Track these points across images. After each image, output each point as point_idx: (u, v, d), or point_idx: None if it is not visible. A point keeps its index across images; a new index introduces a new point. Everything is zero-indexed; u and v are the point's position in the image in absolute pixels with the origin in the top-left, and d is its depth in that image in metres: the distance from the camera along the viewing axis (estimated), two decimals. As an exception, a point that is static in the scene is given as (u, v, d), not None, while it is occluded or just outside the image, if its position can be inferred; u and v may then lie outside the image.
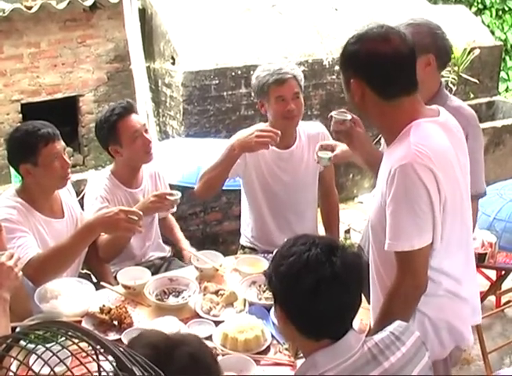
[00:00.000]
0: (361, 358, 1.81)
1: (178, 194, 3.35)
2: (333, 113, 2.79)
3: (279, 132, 3.31)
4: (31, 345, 1.26)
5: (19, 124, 5.69)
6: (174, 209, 3.71)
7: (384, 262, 2.36)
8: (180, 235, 3.87)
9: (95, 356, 1.17)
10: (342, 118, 2.71)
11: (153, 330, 1.72)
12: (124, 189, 3.50)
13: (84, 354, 1.21)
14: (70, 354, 1.21)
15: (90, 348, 1.21)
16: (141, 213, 2.98)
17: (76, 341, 1.20)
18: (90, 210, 3.38)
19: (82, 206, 3.48)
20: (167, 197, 3.33)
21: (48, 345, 1.22)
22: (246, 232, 3.81)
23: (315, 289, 1.78)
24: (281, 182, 3.59)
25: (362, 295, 2.92)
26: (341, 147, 3.30)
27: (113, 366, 1.14)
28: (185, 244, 3.80)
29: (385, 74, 2.19)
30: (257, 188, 3.64)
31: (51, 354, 1.20)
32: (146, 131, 3.45)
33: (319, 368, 1.80)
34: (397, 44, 2.20)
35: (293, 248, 1.86)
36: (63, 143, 3.11)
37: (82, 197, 3.59)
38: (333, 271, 1.79)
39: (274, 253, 1.97)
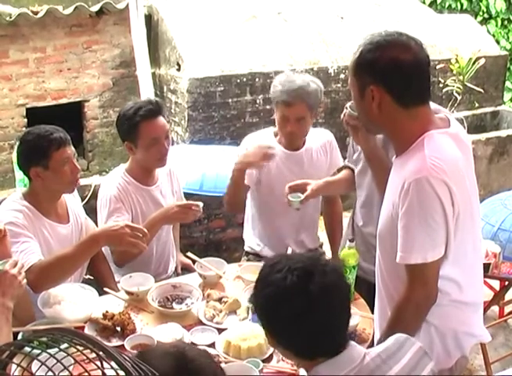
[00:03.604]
0: (364, 369, 1.81)
1: (201, 204, 3.34)
2: (348, 106, 2.79)
3: (275, 149, 3.42)
4: (36, 351, 1.26)
5: (24, 129, 5.76)
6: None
7: (390, 272, 2.36)
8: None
9: (99, 364, 1.17)
10: (356, 114, 2.70)
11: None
12: (140, 186, 3.47)
13: (87, 361, 1.21)
14: (73, 361, 1.21)
15: (94, 355, 1.21)
16: (146, 231, 2.95)
17: (80, 348, 1.20)
18: (103, 212, 3.36)
19: (87, 211, 3.48)
20: (192, 207, 3.32)
21: (51, 352, 1.21)
22: (252, 237, 3.80)
23: (295, 319, 1.78)
24: (288, 181, 3.55)
25: (366, 305, 2.94)
26: (311, 186, 3.32)
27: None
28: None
29: (407, 81, 2.19)
30: (264, 189, 3.65)
31: (54, 361, 1.20)
32: (167, 137, 3.41)
33: None
34: (417, 52, 2.20)
35: (270, 278, 1.84)
36: (73, 148, 3.12)
37: (87, 203, 3.58)
38: (310, 300, 1.77)
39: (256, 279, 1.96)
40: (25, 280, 2.50)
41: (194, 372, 1.51)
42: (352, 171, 3.36)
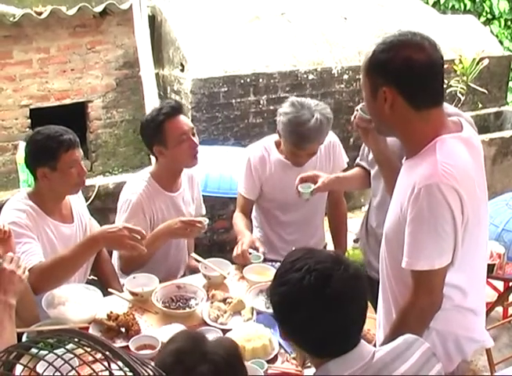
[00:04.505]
0: (371, 367, 1.80)
1: (206, 221, 3.31)
2: (359, 108, 2.77)
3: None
4: (42, 352, 1.26)
5: (28, 129, 5.76)
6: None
7: (395, 275, 2.34)
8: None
9: (106, 364, 1.17)
10: (368, 117, 2.65)
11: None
12: (164, 193, 3.44)
13: (93, 362, 1.21)
14: (79, 361, 1.21)
15: (99, 355, 1.21)
16: (144, 232, 2.95)
17: (87, 349, 1.20)
18: (122, 216, 3.34)
19: (91, 211, 3.48)
20: (196, 224, 3.28)
21: (58, 353, 1.22)
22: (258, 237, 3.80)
23: (308, 320, 1.78)
24: (291, 189, 3.55)
25: (370, 305, 2.93)
26: (323, 179, 3.30)
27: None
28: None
29: (421, 83, 2.15)
30: (266, 197, 3.64)
31: (60, 362, 1.20)
32: (194, 134, 3.37)
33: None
34: (431, 52, 2.16)
35: (287, 276, 1.81)
36: (81, 151, 3.11)
37: (91, 203, 3.57)
38: (325, 304, 1.75)
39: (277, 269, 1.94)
40: (27, 273, 2.47)
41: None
42: (364, 169, 3.34)
